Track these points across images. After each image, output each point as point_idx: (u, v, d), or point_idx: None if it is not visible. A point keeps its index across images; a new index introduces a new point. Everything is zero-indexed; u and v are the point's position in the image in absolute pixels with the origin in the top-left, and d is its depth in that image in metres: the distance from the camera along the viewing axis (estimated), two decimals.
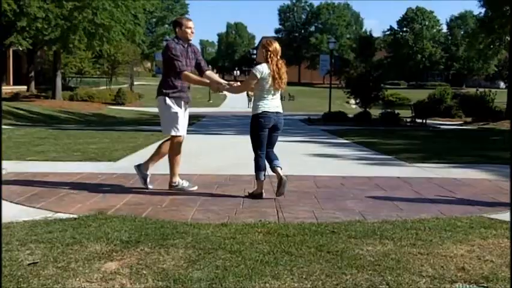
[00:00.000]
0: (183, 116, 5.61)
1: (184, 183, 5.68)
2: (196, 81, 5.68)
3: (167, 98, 5.53)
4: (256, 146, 5.35)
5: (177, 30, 5.62)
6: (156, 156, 5.83)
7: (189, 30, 5.61)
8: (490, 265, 3.25)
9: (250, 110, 5.58)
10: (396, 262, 3.25)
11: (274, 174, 5.34)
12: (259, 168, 5.33)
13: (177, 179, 5.67)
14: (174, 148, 5.64)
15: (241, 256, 3.29)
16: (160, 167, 6.86)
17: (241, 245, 3.53)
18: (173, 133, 5.58)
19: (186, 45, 5.60)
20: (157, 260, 3.24)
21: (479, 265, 3.25)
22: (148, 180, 5.76)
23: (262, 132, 5.30)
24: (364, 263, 3.23)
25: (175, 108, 5.55)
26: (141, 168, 5.81)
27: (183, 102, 5.61)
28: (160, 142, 5.86)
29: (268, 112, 5.27)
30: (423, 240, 3.75)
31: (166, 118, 5.61)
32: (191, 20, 5.68)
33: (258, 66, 5.31)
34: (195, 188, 5.69)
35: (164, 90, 5.56)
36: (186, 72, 5.48)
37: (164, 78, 5.62)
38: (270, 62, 5.26)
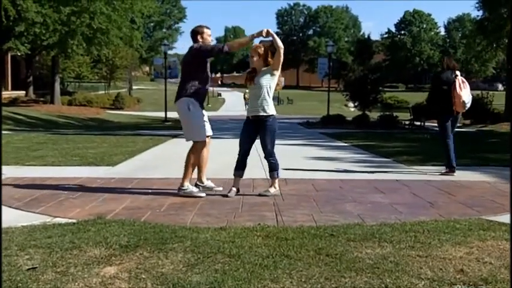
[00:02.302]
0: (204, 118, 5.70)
1: (194, 189, 5.62)
2: (242, 43, 5.87)
3: (191, 103, 5.49)
4: (274, 145, 5.61)
5: (198, 38, 5.61)
6: (193, 166, 5.71)
7: (209, 38, 5.71)
8: (488, 267, 3.26)
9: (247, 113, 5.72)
10: (395, 265, 3.25)
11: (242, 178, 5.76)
12: (277, 166, 5.63)
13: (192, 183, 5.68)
14: (200, 152, 5.66)
15: (240, 260, 3.29)
16: (160, 170, 6.84)
17: (240, 248, 3.53)
18: (199, 138, 5.59)
19: None
20: (156, 264, 3.24)
21: (478, 267, 3.25)
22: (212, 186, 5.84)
23: None
24: (363, 266, 3.23)
25: (199, 112, 5.57)
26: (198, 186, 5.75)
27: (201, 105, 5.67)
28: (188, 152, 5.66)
29: None
30: (422, 242, 3.76)
31: (192, 123, 5.57)
32: (210, 28, 5.77)
33: None
34: (203, 194, 5.58)
35: (189, 94, 5.50)
36: (229, 43, 5.76)
37: (191, 81, 5.52)
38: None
